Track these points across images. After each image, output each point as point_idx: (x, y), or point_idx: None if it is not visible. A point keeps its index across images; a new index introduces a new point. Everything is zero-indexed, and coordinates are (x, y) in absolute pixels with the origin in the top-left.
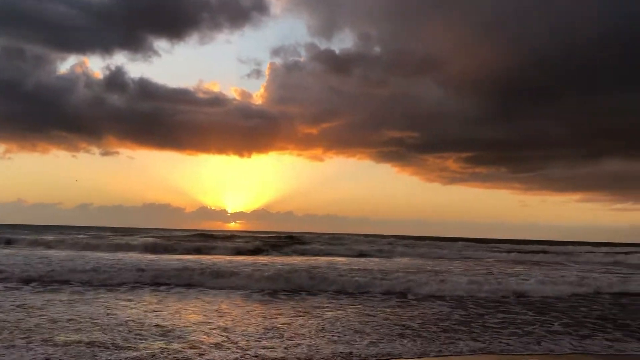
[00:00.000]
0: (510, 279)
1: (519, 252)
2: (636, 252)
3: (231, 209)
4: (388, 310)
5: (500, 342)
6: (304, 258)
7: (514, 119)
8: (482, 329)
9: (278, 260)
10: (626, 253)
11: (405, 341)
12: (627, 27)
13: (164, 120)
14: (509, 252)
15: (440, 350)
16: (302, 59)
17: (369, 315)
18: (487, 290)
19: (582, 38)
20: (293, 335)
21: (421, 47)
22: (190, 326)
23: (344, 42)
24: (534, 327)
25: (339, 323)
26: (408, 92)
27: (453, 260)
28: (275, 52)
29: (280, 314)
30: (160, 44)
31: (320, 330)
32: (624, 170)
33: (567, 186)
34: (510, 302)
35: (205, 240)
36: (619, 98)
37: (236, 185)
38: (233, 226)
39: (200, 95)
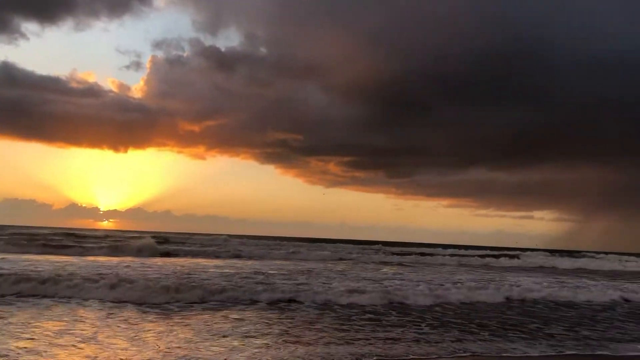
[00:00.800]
0: (381, 282)
1: (392, 254)
2: (487, 256)
3: (104, 206)
4: (259, 314)
5: (377, 347)
6: (174, 260)
7: (392, 126)
8: (355, 333)
9: (146, 262)
10: (483, 256)
11: (298, 348)
12: (502, 45)
13: (31, 109)
14: (385, 253)
15: (323, 357)
16: (185, 54)
17: (239, 320)
18: (354, 291)
19: (458, 53)
20: (167, 345)
21: (307, 52)
22: (54, 342)
23: (229, 40)
24: (404, 329)
25: (210, 330)
26: (293, 95)
27: (328, 261)
28: (158, 45)
29: (146, 321)
30: (29, 26)
31: (192, 339)
32: (487, 178)
33: (438, 192)
34: (373, 303)
35: (69, 240)
36: (488, 111)
37: (110, 182)
38: (105, 225)
39: (74, 84)
